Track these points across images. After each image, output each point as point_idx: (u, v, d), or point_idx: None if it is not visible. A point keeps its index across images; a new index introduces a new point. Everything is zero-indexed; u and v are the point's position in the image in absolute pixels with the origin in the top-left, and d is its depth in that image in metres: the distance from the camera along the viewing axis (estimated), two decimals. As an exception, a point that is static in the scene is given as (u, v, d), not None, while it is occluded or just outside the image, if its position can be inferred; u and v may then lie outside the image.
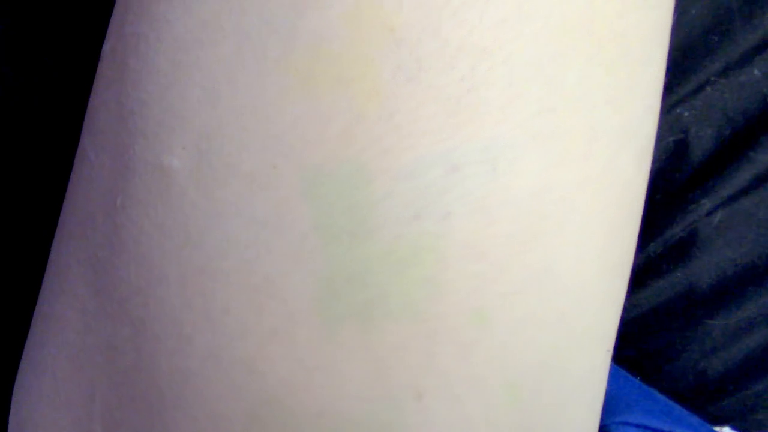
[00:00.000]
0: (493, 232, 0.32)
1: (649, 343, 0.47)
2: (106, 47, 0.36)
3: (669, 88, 0.43)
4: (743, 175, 0.44)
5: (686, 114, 0.44)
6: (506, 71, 0.31)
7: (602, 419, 0.41)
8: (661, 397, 0.42)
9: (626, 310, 0.44)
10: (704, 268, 0.45)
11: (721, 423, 0.44)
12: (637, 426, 0.40)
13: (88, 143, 0.36)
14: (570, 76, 0.32)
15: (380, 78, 0.31)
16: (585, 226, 0.34)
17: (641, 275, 0.44)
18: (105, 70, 0.35)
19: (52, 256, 0.37)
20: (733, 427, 0.42)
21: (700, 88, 0.44)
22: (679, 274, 0.45)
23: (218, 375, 0.32)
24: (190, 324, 0.32)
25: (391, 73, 0.31)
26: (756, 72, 0.44)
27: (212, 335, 0.32)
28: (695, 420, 0.41)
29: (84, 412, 0.34)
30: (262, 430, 0.32)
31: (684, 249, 0.45)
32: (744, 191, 0.44)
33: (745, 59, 0.44)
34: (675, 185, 0.45)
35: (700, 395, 0.46)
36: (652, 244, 0.45)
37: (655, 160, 0.43)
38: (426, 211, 0.31)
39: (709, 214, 0.44)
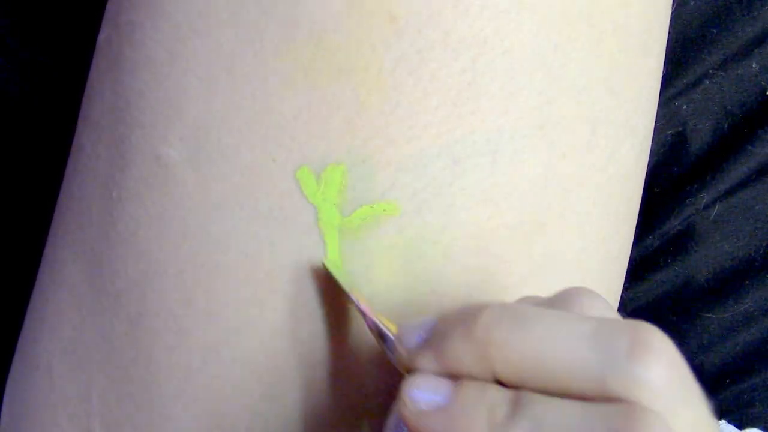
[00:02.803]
0: (496, 224, 0.32)
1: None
2: (101, 37, 0.35)
3: (667, 80, 0.43)
4: (741, 169, 0.44)
5: (684, 107, 0.44)
6: (507, 63, 0.31)
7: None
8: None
9: (624, 303, 0.44)
10: (701, 262, 0.45)
11: (718, 417, 0.44)
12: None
13: (83, 134, 0.35)
14: (571, 68, 0.32)
15: (383, 69, 0.31)
16: (586, 217, 0.34)
17: (639, 269, 0.44)
18: (100, 59, 0.35)
19: (47, 250, 0.37)
20: (729, 421, 0.43)
21: (698, 80, 0.44)
22: (676, 268, 0.45)
23: (220, 371, 0.32)
24: (190, 319, 0.32)
25: (393, 64, 0.31)
26: (754, 65, 0.44)
27: (213, 330, 0.32)
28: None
29: (81, 409, 0.34)
30: (266, 427, 0.32)
31: (681, 242, 0.45)
32: (742, 185, 0.44)
33: (744, 52, 0.44)
34: (673, 178, 0.45)
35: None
36: (649, 237, 0.45)
37: (653, 153, 0.43)
38: (429, 203, 0.31)
39: (707, 207, 0.44)
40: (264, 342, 0.32)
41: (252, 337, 0.32)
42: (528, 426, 0.25)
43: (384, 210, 0.31)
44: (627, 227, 0.37)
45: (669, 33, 0.37)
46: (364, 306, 0.30)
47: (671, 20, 0.38)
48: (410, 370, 0.28)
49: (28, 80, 0.44)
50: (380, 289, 0.32)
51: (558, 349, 0.26)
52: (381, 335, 0.30)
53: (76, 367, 0.34)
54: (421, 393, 0.27)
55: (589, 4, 0.32)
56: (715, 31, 0.44)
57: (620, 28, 0.33)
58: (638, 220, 0.38)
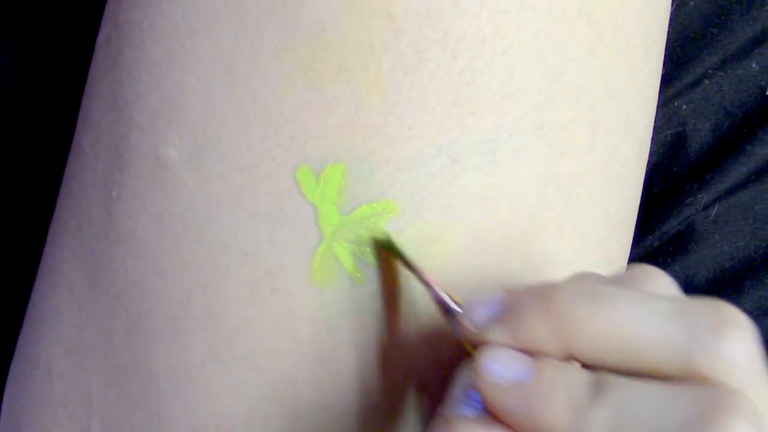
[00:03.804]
0: (495, 223, 0.32)
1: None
2: (101, 37, 0.35)
3: (667, 80, 0.43)
4: (741, 169, 0.44)
5: (684, 107, 0.44)
6: (507, 63, 0.31)
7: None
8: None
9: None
10: (701, 262, 0.45)
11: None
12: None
13: (82, 134, 0.35)
14: (571, 68, 0.32)
15: (382, 68, 0.31)
16: (585, 218, 0.34)
17: (639, 269, 0.45)
18: (99, 59, 0.35)
19: (47, 250, 0.37)
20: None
21: (698, 81, 0.44)
22: (676, 268, 0.45)
23: (219, 371, 0.32)
24: (189, 318, 0.32)
25: (392, 64, 0.31)
26: (754, 65, 0.44)
27: (212, 330, 0.32)
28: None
29: (81, 409, 0.34)
30: (265, 426, 0.32)
31: (681, 243, 0.45)
32: (741, 185, 0.44)
33: (743, 52, 0.44)
34: (673, 179, 0.45)
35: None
36: (649, 237, 0.45)
37: (653, 154, 0.43)
38: (428, 202, 0.31)
39: (707, 207, 0.44)
40: (264, 342, 0.32)
41: (252, 337, 0.32)
42: (611, 409, 0.25)
43: (383, 209, 0.31)
44: (627, 227, 0.37)
45: (669, 33, 0.37)
46: (431, 278, 0.30)
47: (671, 20, 0.38)
48: (476, 345, 0.28)
49: (28, 80, 0.44)
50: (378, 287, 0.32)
51: (641, 327, 0.26)
52: (446, 309, 0.30)
53: (76, 367, 0.34)
54: (499, 366, 0.27)
55: (588, 4, 0.32)
56: (715, 31, 0.44)
57: (620, 28, 0.33)
58: (638, 220, 0.38)
